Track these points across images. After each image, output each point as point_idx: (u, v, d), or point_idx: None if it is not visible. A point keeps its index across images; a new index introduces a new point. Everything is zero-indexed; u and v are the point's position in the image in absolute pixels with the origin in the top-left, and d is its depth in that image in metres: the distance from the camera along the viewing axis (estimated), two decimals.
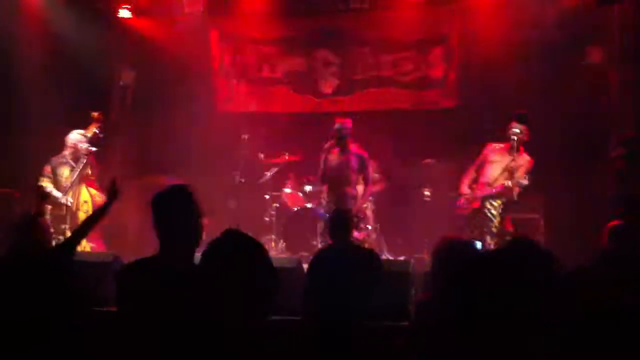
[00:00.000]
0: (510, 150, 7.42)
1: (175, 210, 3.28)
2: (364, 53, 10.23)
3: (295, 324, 5.85)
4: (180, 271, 3.12)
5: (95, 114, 7.97)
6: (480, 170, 7.65)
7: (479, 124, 8.58)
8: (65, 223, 7.54)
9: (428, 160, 9.19)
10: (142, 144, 10.10)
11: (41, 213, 6.76)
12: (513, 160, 7.40)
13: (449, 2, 9.77)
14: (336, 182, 8.00)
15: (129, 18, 10.09)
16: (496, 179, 7.46)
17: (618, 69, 8.84)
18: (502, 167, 7.46)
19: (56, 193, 7.73)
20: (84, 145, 7.80)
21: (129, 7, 9.93)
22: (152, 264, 3.28)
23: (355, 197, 7.94)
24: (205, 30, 10.43)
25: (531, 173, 7.30)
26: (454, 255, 3.72)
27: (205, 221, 3.37)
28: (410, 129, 9.54)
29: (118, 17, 10.09)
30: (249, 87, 10.51)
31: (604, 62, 8.83)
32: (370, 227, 8.40)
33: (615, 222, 5.84)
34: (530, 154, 7.44)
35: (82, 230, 4.88)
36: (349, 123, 7.97)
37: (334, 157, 7.99)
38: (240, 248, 2.47)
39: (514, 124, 7.44)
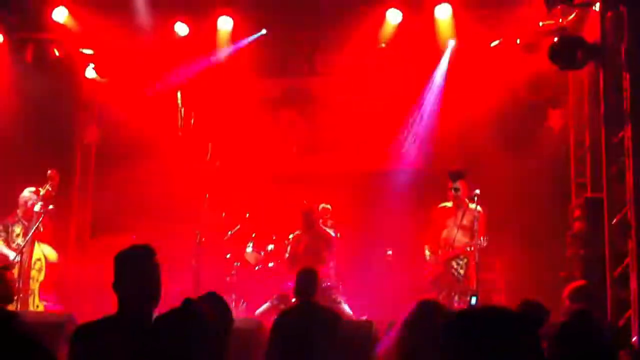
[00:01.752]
0: (458, 209, 7.65)
1: (137, 270, 3.27)
2: (328, 114, 10.33)
3: None
4: (139, 332, 3.07)
5: (50, 172, 7.94)
6: (437, 234, 7.80)
7: (443, 185, 8.67)
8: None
9: (391, 221, 9.24)
10: (105, 203, 9.99)
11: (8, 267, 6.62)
12: (463, 217, 7.59)
13: (415, 68, 9.91)
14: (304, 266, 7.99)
15: (95, 77, 10.08)
16: (454, 239, 7.60)
17: (576, 132, 9.08)
18: (456, 226, 7.63)
19: (7, 251, 7.63)
20: (37, 205, 7.72)
21: (95, 66, 9.93)
22: (109, 324, 3.22)
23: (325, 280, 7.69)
24: (171, 90, 10.45)
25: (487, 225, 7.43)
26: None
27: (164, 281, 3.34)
28: (375, 189, 9.59)
29: (84, 77, 10.08)
30: (214, 146, 10.49)
31: (563, 125, 9.07)
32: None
33: (578, 282, 5.92)
34: (482, 205, 7.59)
35: None
36: (315, 208, 8.07)
37: (303, 242, 8.02)
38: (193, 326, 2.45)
39: (450, 184, 7.67)
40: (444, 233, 7.76)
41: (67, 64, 9.88)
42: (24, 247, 7.56)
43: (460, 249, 7.55)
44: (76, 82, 10.18)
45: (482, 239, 7.41)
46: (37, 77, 9.37)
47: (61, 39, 9.65)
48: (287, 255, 8.25)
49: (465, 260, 7.62)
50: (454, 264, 7.63)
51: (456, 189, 7.68)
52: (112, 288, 3.28)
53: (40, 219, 7.65)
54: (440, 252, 7.75)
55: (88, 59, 9.93)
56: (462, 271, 7.60)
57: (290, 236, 8.18)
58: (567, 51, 7.47)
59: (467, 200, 7.75)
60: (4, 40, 9.16)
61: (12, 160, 8.98)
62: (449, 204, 7.82)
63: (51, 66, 9.61)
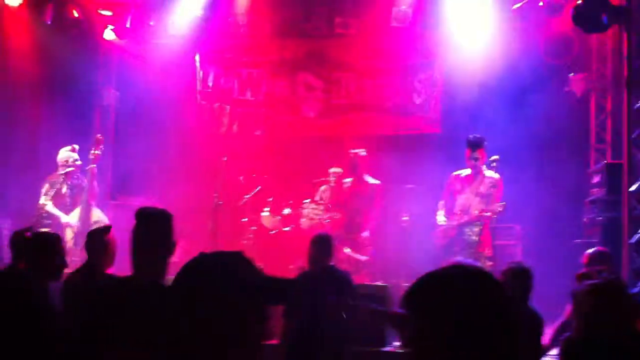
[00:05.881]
0: (475, 177, 7.61)
1: (148, 233, 3.31)
2: (347, 77, 10.27)
3: (272, 348, 5.82)
4: (149, 292, 3.13)
5: (99, 136, 8.18)
6: (451, 200, 7.78)
7: (460, 151, 8.64)
8: (72, 245, 7.63)
9: (408, 186, 9.22)
10: (124, 164, 10.06)
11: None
12: (481, 184, 7.56)
13: (434, 30, 9.81)
14: (348, 210, 8.24)
15: (114, 39, 10.07)
16: (470, 206, 7.58)
17: (598, 97, 8.96)
18: (473, 193, 7.61)
19: (58, 212, 7.78)
20: (88, 167, 7.95)
21: (113, 28, 9.91)
22: (122, 284, 3.29)
23: (365, 227, 8.23)
24: (189, 53, 10.43)
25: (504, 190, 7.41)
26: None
27: (182, 243, 3.38)
28: (392, 154, 9.57)
29: (103, 38, 10.07)
30: (232, 109, 10.51)
31: (585, 90, 8.95)
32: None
33: (597, 248, 5.92)
34: (498, 171, 7.56)
35: None
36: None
37: (347, 187, 8.28)
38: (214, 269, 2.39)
39: (469, 152, 7.61)
40: (460, 199, 7.73)
41: (86, 25, 9.86)
42: (84, 211, 7.80)
43: (476, 215, 7.53)
44: (95, 44, 10.17)
45: (497, 205, 7.38)
46: (56, 38, 9.37)
47: (80, 0, 9.62)
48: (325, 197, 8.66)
49: (480, 226, 7.61)
50: (467, 229, 7.62)
51: (476, 158, 7.62)
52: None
53: (90, 181, 7.94)
54: (455, 218, 7.73)
55: (107, 21, 9.91)
56: (475, 238, 7.59)
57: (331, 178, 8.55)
58: (592, 14, 7.33)
59: (484, 167, 7.71)
60: (23, 1, 9.15)
61: (32, 122, 9.04)
62: (466, 172, 7.77)
63: (70, 27, 9.60)
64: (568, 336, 3.72)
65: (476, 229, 7.62)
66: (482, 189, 7.61)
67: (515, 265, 4.90)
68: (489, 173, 7.66)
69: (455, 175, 7.86)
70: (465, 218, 7.60)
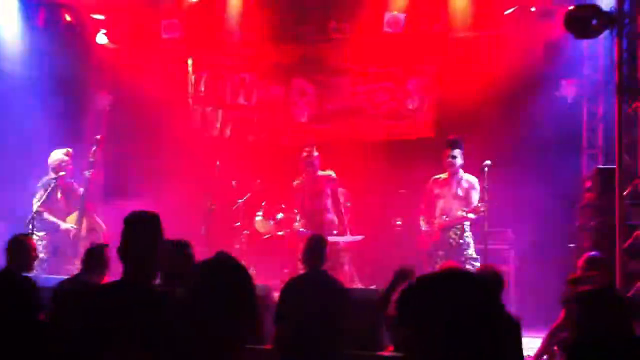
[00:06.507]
0: (452, 179, 7.63)
1: (137, 237, 3.32)
2: (340, 83, 10.28)
3: (264, 352, 5.81)
4: (138, 296, 3.14)
5: (99, 137, 8.14)
6: (431, 204, 7.80)
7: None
8: (72, 248, 7.60)
9: (401, 191, 9.24)
10: (117, 168, 10.04)
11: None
12: (458, 187, 7.59)
13: (428, 35, 9.84)
14: (313, 211, 8.16)
15: (106, 43, 10.06)
16: (450, 209, 7.61)
17: (590, 102, 9.01)
18: (451, 196, 7.63)
19: (55, 220, 7.75)
20: (86, 172, 7.90)
21: (106, 32, 9.91)
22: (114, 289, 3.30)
23: (332, 223, 8.08)
24: (182, 56, 10.43)
25: (482, 189, 7.43)
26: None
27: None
28: (385, 159, 9.59)
29: (95, 42, 10.07)
30: (225, 114, 10.51)
31: (577, 95, 9.00)
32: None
33: (594, 253, 5.95)
34: (489, 176, 7.57)
35: None
36: (314, 151, 8.14)
37: (306, 187, 8.10)
38: (232, 271, 2.41)
39: (448, 151, 7.65)
40: (440, 204, 7.76)
41: (78, 29, 9.86)
42: (81, 216, 7.74)
43: (458, 217, 7.56)
44: (87, 48, 10.17)
45: (479, 204, 7.41)
46: (49, 42, 9.36)
47: (72, 3, 9.62)
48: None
49: (466, 230, 7.63)
50: (451, 233, 7.64)
51: (454, 157, 7.67)
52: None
53: (87, 184, 7.91)
54: (436, 222, 7.74)
55: (99, 25, 9.90)
56: (459, 240, 7.62)
57: (295, 183, 8.33)
58: (583, 19, 7.36)
59: (461, 170, 7.74)
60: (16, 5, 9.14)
61: (24, 126, 9.01)
62: (444, 175, 7.80)
63: (62, 31, 9.59)
64: (566, 338, 3.76)
65: (459, 232, 7.65)
66: (460, 191, 7.66)
67: (486, 269, 4.91)
68: (466, 176, 7.71)
69: (434, 179, 7.89)
70: (447, 221, 7.63)
